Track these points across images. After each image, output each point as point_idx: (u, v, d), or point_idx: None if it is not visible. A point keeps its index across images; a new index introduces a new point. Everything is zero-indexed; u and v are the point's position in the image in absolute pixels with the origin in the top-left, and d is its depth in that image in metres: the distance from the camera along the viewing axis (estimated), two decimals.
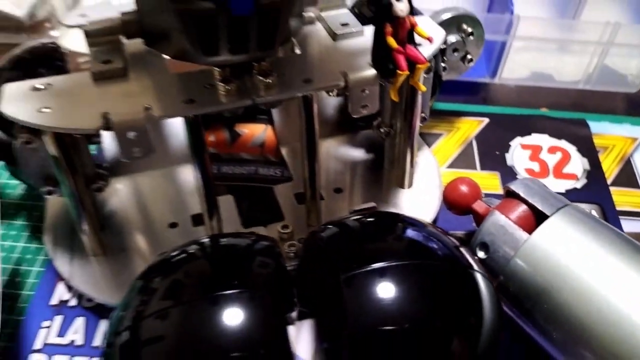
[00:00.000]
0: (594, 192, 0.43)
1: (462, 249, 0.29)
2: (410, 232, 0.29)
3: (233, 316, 0.25)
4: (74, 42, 0.36)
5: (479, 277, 0.28)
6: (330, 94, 0.35)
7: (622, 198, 0.43)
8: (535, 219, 0.32)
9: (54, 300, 0.36)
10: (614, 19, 0.50)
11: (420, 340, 0.26)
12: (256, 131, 0.47)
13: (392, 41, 0.30)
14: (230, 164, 0.44)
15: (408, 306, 0.26)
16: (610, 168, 0.45)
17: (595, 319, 0.29)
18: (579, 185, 0.44)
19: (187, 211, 0.40)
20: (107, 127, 0.29)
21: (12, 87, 0.32)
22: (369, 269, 0.26)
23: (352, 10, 0.38)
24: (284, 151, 0.45)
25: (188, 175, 0.42)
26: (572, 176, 0.45)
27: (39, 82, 0.32)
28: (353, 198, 0.41)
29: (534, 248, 0.31)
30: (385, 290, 0.26)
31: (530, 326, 0.31)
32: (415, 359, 0.26)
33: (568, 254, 0.30)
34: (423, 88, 0.32)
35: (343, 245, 0.29)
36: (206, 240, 0.31)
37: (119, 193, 0.41)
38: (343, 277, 0.26)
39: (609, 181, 0.44)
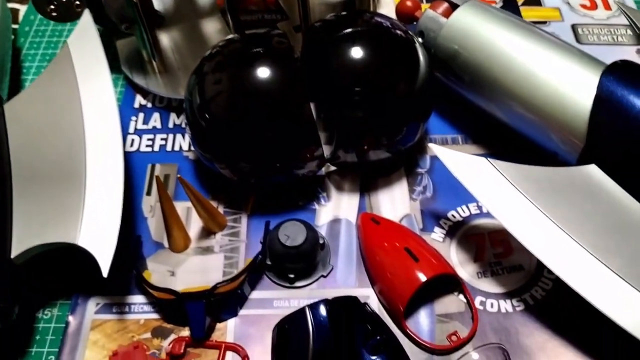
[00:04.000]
0: (508, 11, 0.59)
1: (409, 32, 0.46)
2: (377, 17, 0.46)
3: (265, 65, 0.42)
4: None
5: (418, 45, 0.45)
6: None
7: (528, 13, 0.60)
8: (453, 11, 0.49)
9: (136, 105, 0.53)
10: None
11: (379, 74, 0.43)
12: None
13: None
14: (245, 14, 0.60)
15: (375, 52, 0.43)
16: None
17: (490, 63, 0.46)
18: (497, 6, 0.60)
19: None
20: None
21: None
22: (348, 31, 0.43)
23: None
24: (279, 1, 0.61)
25: (207, 25, 0.58)
26: (492, 0, 0.61)
27: None
28: None
29: (450, 27, 0.47)
30: (361, 43, 0.43)
31: (451, 78, 0.49)
32: (376, 85, 0.43)
33: (471, 26, 0.47)
34: None
35: (330, 22, 0.45)
36: (234, 35, 0.47)
37: (166, 35, 0.57)
38: (329, 39, 0.43)
39: (520, 2, 0.61)
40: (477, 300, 0.41)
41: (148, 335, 0.40)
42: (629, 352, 0.38)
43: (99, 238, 0.38)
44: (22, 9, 0.65)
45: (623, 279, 0.36)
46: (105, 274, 0.37)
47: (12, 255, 0.38)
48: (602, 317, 0.34)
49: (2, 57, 0.52)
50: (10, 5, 0.64)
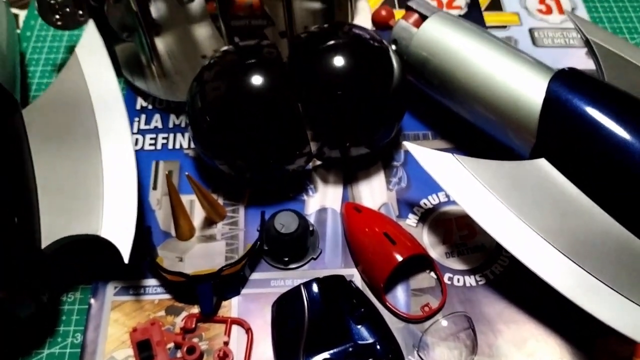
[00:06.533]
0: (472, 16, 0.66)
1: (384, 41, 0.52)
2: (355, 29, 0.52)
3: (258, 74, 0.48)
4: None
5: (392, 53, 0.51)
6: None
7: (490, 18, 0.67)
8: (423, 21, 0.55)
9: (138, 106, 0.59)
10: None
11: (358, 80, 0.49)
12: None
13: None
14: (234, 19, 0.65)
15: (354, 60, 0.49)
16: (484, 1, 0.68)
17: (455, 69, 0.52)
18: (462, 12, 0.67)
19: (210, 49, 0.61)
20: None
21: None
22: (330, 42, 0.49)
23: None
24: (265, 8, 0.66)
25: (199, 31, 0.63)
26: (458, 7, 0.67)
27: None
28: None
29: (420, 36, 0.54)
30: (342, 53, 0.48)
31: (422, 81, 0.55)
32: (355, 89, 0.49)
33: (438, 36, 0.53)
34: None
35: (314, 34, 0.51)
36: (229, 46, 0.52)
37: (162, 41, 0.62)
38: (314, 49, 0.49)
39: (482, 8, 0.67)
40: (446, 277, 0.48)
41: (162, 313, 0.46)
42: (571, 316, 0.46)
43: (118, 229, 0.44)
44: (22, 14, 0.69)
45: (566, 256, 0.43)
46: (126, 260, 0.42)
47: (42, 247, 0.43)
48: (549, 288, 0.41)
49: (13, 61, 0.56)
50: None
